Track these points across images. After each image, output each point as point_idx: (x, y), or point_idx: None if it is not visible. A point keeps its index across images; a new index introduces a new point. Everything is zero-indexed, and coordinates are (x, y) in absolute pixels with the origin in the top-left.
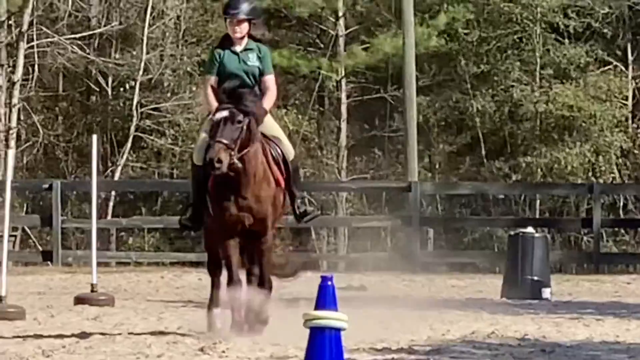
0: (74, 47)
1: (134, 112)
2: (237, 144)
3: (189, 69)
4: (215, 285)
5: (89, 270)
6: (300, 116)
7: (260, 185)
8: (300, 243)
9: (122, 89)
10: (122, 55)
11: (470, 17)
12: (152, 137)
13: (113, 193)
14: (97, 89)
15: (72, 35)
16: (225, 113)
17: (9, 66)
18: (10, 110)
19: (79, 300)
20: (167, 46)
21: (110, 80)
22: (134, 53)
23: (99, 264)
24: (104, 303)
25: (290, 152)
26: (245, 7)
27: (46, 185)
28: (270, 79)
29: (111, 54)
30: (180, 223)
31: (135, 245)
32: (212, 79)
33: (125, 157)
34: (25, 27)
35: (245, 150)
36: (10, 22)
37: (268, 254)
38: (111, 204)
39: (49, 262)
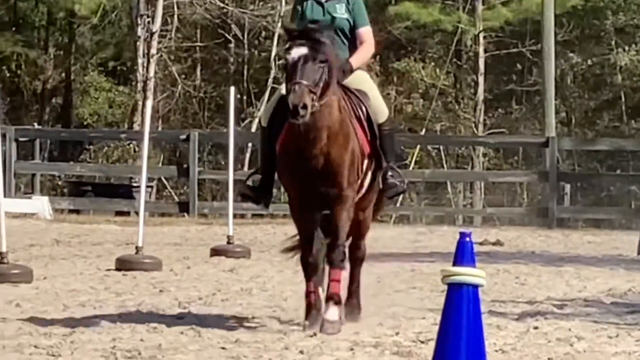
0: None
1: (272, 64)
2: (320, 88)
3: None
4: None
5: (225, 222)
6: (437, 70)
7: (334, 141)
8: (436, 197)
9: (258, 41)
10: (259, 6)
11: None
12: None
13: (249, 145)
14: (234, 41)
15: None
16: (304, 50)
17: (148, 17)
18: (149, 61)
19: (215, 252)
20: None
21: (246, 31)
22: (272, 5)
23: (235, 215)
24: (240, 255)
25: (380, 113)
26: None
27: (183, 136)
28: (365, 32)
29: (248, 5)
30: (241, 193)
31: None
32: None
33: (262, 108)
34: None
35: (325, 98)
36: None
37: (345, 215)
38: (247, 155)
39: (185, 214)
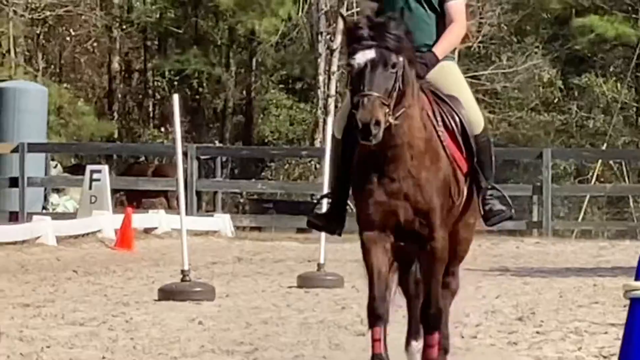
0: None
1: None
2: (393, 98)
3: (506, 37)
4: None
5: None
6: (618, 84)
7: (420, 162)
8: (618, 211)
9: None
10: None
11: None
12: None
13: None
14: None
15: None
16: (371, 53)
17: (329, 34)
18: (330, 78)
19: None
20: (486, 14)
21: None
22: None
23: None
24: None
25: (475, 122)
26: None
27: None
28: (455, 6)
29: None
30: (309, 222)
31: None
32: (371, 7)
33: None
34: None
35: (401, 110)
36: None
37: (437, 266)
38: None
39: None
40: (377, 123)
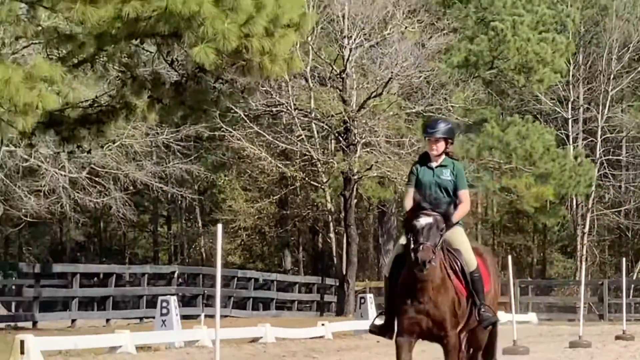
0: None
1: None
2: (437, 250)
3: None
4: None
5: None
6: None
7: (437, 291)
8: None
9: None
10: None
11: None
12: None
13: None
14: None
15: None
16: (431, 220)
17: None
18: None
19: (617, 337)
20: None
21: None
22: None
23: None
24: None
25: (470, 264)
26: (442, 127)
27: None
28: (463, 193)
29: None
30: (370, 330)
31: None
32: (411, 191)
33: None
34: None
35: (436, 259)
36: None
37: (452, 353)
38: None
39: None
40: (430, 261)
